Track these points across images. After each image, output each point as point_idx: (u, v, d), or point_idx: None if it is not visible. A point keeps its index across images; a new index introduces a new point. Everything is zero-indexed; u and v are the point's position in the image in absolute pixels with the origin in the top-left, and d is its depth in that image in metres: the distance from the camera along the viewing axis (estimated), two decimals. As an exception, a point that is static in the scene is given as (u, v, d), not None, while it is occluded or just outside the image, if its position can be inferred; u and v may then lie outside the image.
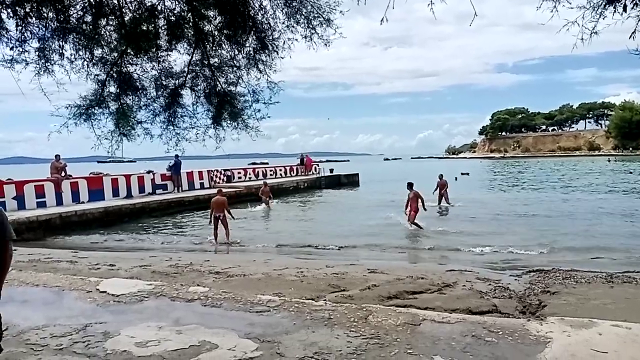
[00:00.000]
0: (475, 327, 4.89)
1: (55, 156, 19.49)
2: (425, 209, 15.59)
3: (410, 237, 14.03)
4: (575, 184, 34.20)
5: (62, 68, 3.79)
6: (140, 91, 4.18)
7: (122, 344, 4.62)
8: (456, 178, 37.15)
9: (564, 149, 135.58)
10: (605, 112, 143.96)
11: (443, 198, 21.12)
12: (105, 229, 16.83)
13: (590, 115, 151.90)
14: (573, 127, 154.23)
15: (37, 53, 3.69)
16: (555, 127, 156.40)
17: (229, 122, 4.30)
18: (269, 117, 4.17)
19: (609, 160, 74.34)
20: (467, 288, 7.31)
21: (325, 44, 3.84)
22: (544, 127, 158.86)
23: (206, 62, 4.13)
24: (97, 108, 3.99)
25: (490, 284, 7.59)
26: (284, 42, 3.97)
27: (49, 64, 3.72)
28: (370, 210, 21.16)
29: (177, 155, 23.15)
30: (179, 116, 4.30)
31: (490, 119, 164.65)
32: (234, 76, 4.17)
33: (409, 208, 15.27)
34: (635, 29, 2.81)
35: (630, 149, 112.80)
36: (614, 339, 4.50)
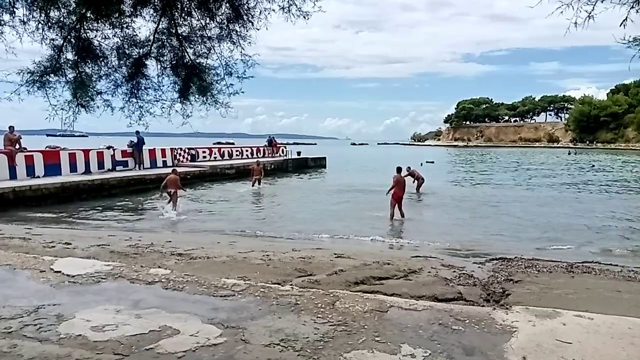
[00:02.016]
0: (442, 315, 4.86)
1: (9, 127, 18.54)
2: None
3: (376, 222, 14.04)
4: (541, 176, 34.83)
5: (13, 30, 3.45)
6: (101, 59, 3.86)
7: (77, 327, 4.37)
8: (422, 164, 37.72)
9: (525, 140, 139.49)
10: (566, 105, 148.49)
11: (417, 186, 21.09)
12: (62, 206, 16.20)
13: (551, 108, 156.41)
14: (534, 119, 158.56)
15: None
16: (517, 118, 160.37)
17: (197, 96, 4.04)
18: (242, 92, 3.93)
19: (570, 153, 76.81)
20: (432, 275, 7.32)
21: (304, 17, 3.61)
22: (506, 117, 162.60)
23: (174, 31, 3.84)
24: (52, 76, 3.66)
25: (454, 271, 7.63)
26: (260, 12, 3.71)
27: (-2, 23, 3.37)
28: (337, 194, 21.17)
29: (138, 132, 22.42)
30: (142, 88, 3.99)
31: (455, 108, 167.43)
32: (204, 47, 3.90)
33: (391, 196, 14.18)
34: (627, 17, 2.73)
35: (587, 142, 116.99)
36: (577, 329, 4.55)
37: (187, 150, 28.17)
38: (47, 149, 21.94)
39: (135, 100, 3.94)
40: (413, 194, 20.41)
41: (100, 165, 21.72)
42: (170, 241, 9.52)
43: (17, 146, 18.37)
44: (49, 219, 14.05)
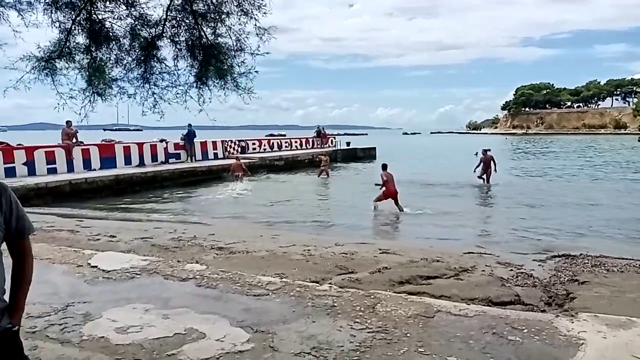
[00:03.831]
0: (497, 322, 4.31)
1: (66, 122, 19.10)
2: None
3: (425, 216, 13.37)
4: (614, 167, 32.21)
5: (18, 14, 3.19)
6: (113, 42, 3.56)
7: (101, 328, 4.17)
8: (476, 153, 36.16)
9: (589, 127, 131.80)
10: (634, 89, 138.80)
11: (485, 175, 19.74)
12: (116, 198, 16.59)
13: (618, 93, 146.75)
14: (599, 104, 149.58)
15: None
16: (581, 104, 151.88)
17: (215, 80, 3.66)
18: (256, 71, 3.51)
19: None
20: (486, 274, 6.72)
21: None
22: (569, 103, 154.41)
23: (189, 8, 3.47)
24: (60, 61, 3.39)
25: (511, 270, 6.99)
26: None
27: (1, 7, 3.13)
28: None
29: (189, 124, 22.82)
30: (156, 72, 3.67)
31: (513, 94, 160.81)
32: (223, 25, 3.50)
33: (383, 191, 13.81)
34: None
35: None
36: (658, 343, 3.88)
37: (237, 142, 28.37)
38: (103, 142, 22.57)
39: (148, 86, 3.63)
40: (478, 185, 19.50)
41: (154, 157, 22.16)
42: (213, 234, 9.37)
43: (74, 140, 19.01)
44: (101, 210, 14.36)
